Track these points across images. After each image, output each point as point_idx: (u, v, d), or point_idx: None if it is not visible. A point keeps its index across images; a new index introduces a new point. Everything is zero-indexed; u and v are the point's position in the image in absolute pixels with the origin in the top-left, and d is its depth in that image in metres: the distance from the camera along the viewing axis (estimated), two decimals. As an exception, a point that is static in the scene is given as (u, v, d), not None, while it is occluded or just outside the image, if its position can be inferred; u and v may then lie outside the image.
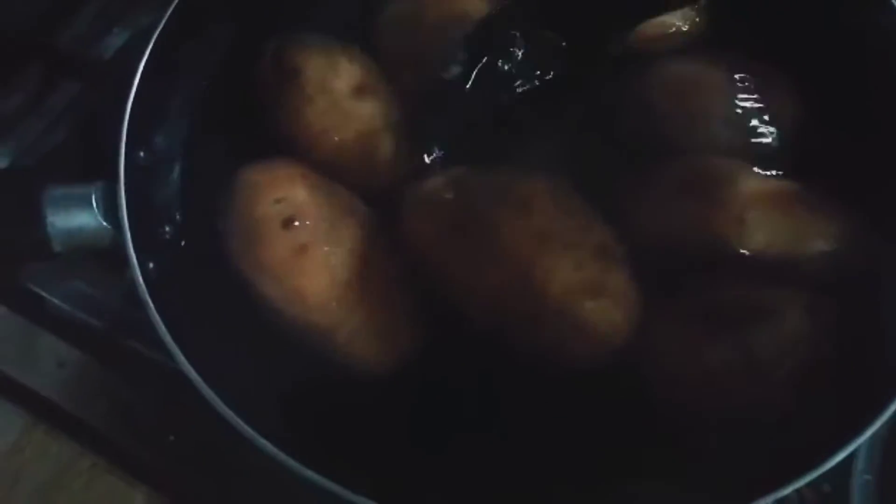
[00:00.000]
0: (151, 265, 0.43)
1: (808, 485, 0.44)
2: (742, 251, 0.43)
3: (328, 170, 0.47)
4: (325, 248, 0.43)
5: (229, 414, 0.39)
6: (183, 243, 0.48)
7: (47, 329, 0.56)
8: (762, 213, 0.43)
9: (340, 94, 0.48)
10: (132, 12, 0.66)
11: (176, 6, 0.48)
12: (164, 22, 0.48)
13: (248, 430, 0.38)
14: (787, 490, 0.37)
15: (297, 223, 0.43)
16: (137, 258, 0.42)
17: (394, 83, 0.50)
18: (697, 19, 0.51)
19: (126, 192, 0.43)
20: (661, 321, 0.43)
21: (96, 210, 0.43)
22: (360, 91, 0.48)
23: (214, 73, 0.52)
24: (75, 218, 0.43)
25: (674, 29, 0.51)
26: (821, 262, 0.44)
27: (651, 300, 0.43)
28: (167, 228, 0.47)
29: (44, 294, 0.57)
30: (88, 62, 0.65)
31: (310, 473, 0.38)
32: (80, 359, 0.56)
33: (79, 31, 0.66)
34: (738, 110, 0.47)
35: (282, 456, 0.38)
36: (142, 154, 0.46)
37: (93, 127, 0.60)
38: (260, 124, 0.49)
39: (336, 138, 0.48)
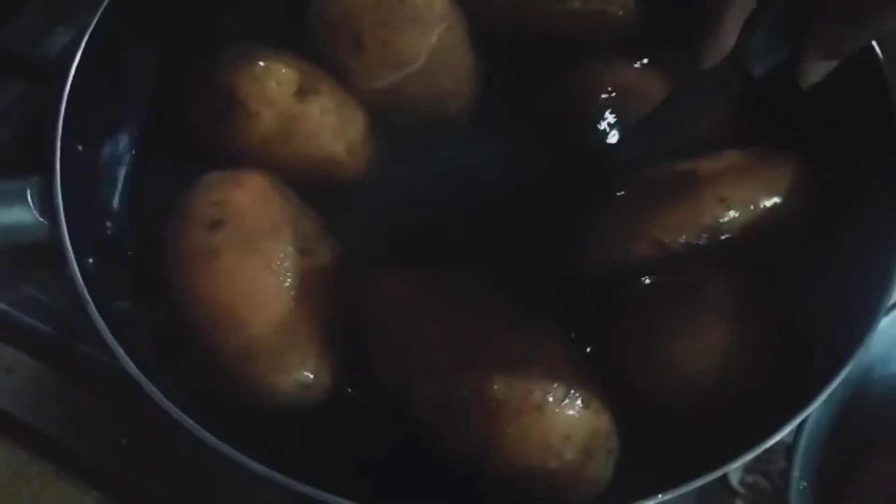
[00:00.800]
0: (91, 261, 0.42)
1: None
2: (725, 230, 0.43)
3: (288, 175, 0.47)
4: (248, 259, 0.42)
5: (179, 415, 0.38)
6: (125, 241, 0.46)
7: (-3, 337, 0.55)
8: (733, 186, 0.43)
9: (284, 100, 0.47)
10: (77, 10, 0.65)
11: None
12: (98, 15, 0.46)
13: (199, 431, 0.37)
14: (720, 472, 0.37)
15: (224, 227, 0.42)
16: (75, 253, 0.41)
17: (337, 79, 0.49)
18: (632, 7, 0.51)
19: (62, 185, 0.42)
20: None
21: (31, 205, 0.42)
22: (302, 93, 0.47)
23: (161, 72, 0.51)
24: (11, 213, 0.42)
25: (611, 17, 0.51)
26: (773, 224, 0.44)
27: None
28: (108, 224, 0.46)
29: (-11, 299, 0.56)
30: (33, 61, 0.63)
31: (265, 470, 0.36)
32: (29, 364, 0.55)
33: (23, 29, 0.65)
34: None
35: (236, 455, 0.37)
36: (80, 147, 0.44)
37: (39, 126, 0.59)
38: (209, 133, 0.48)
39: (291, 144, 0.47)
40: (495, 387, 0.39)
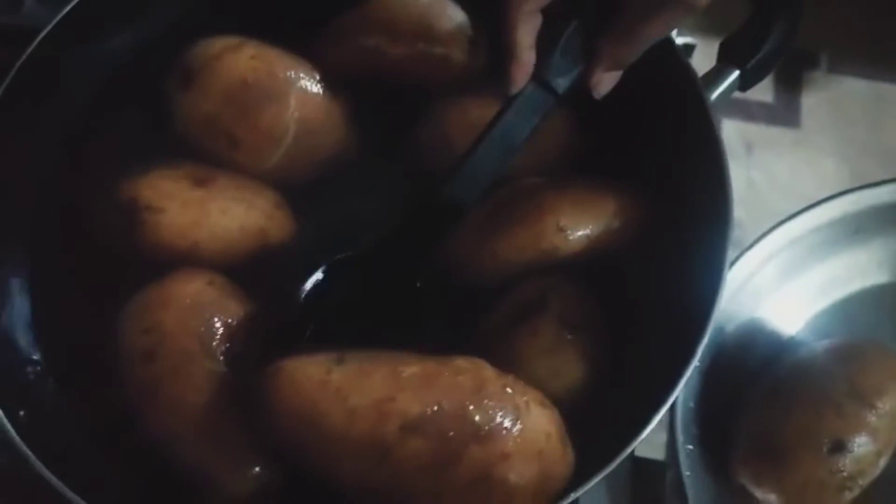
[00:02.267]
0: (22, 413, 0.43)
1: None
2: (567, 254, 0.48)
3: (212, 259, 0.48)
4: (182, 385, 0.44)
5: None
6: (48, 378, 0.48)
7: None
8: (574, 214, 0.48)
9: (184, 191, 0.48)
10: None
11: None
12: None
13: None
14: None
15: (156, 358, 0.44)
16: (7, 414, 0.42)
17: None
18: (475, 52, 0.53)
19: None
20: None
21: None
22: (200, 182, 0.49)
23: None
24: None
25: (454, 61, 0.53)
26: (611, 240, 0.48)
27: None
28: (28, 370, 0.48)
29: None
30: None
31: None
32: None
33: None
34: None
35: None
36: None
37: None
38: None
39: (206, 226, 0.49)
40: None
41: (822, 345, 0.55)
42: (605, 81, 0.44)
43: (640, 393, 0.43)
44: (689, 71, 0.49)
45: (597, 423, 0.44)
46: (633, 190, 0.50)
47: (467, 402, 0.39)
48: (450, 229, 0.48)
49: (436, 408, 0.39)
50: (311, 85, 0.52)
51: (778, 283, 0.58)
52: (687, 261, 0.46)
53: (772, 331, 0.58)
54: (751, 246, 0.55)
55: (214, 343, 0.45)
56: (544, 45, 0.43)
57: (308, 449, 0.41)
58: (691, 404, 0.52)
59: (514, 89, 0.44)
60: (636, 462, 0.54)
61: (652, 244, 0.49)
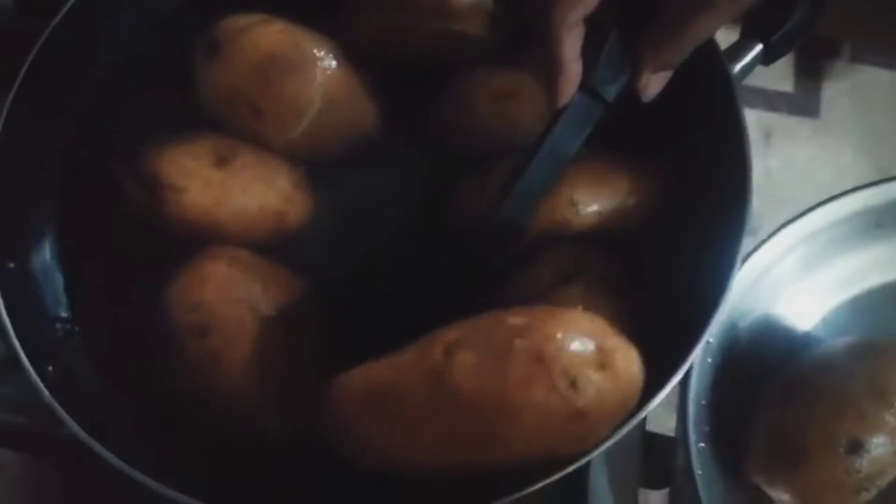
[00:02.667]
0: (51, 368, 0.45)
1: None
2: (578, 228, 0.48)
3: (237, 238, 0.50)
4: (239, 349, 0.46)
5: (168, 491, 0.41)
6: (77, 336, 0.49)
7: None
8: (587, 190, 0.48)
9: (204, 169, 0.49)
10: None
11: (14, 94, 0.49)
12: (3, 116, 0.48)
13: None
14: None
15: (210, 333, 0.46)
16: (34, 367, 0.44)
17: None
18: (495, 27, 0.54)
19: (6, 306, 0.45)
20: None
21: (-20, 330, 0.44)
22: (221, 160, 0.50)
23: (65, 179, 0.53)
24: (-40, 339, 0.44)
25: (473, 37, 0.54)
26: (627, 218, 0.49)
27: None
28: (58, 326, 0.49)
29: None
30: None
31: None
32: (18, 460, 0.57)
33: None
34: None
35: None
36: (12, 265, 0.47)
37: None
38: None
39: (227, 205, 0.50)
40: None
41: (840, 341, 0.55)
42: (654, 84, 0.44)
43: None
44: (711, 43, 0.48)
45: None
46: (650, 169, 0.50)
47: (500, 315, 0.40)
48: (504, 252, 0.48)
49: (471, 327, 0.40)
50: (336, 59, 0.52)
51: (795, 278, 0.57)
52: (702, 242, 0.46)
53: (788, 326, 0.57)
54: (767, 239, 0.55)
55: (260, 303, 0.47)
56: (588, 52, 0.43)
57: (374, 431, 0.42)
58: (703, 402, 0.52)
59: (562, 102, 0.43)
60: (647, 437, 0.54)
61: (667, 224, 0.49)
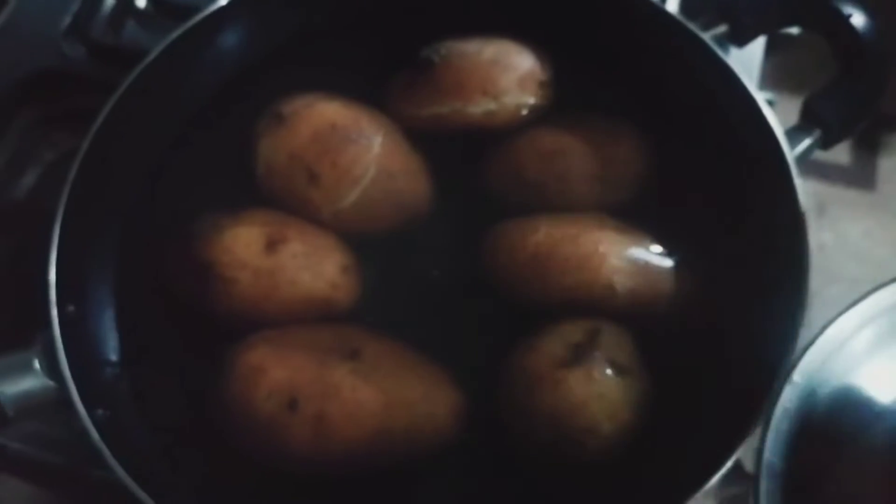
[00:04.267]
0: (100, 412, 0.46)
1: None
2: (610, 309, 0.49)
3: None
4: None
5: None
6: (124, 381, 0.51)
7: (12, 474, 0.58)
8: (626, 277, 0.49)
9: (255, 258, 0.50)
10: (39, 152, 0.68)
11: (88, 145, 0.51)
12: (77, 163, 0.50)
13: None
14: None
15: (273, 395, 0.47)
16: (87, 410, 0.45)
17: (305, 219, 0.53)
18: (544, 92, 0.56)
19: (65, 349, 0.46)
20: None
21: (40, 371, 0.46)
22: (272, 244, 0.51)
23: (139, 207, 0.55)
24: (22, 383, 0.45)
25: (527, 107, 0.56)
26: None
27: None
28: (108, 370, 0.50)
29: (2, 441, 0.59)
30: (2, 207, 0.66)
31: None
32: (47, 498, 0.58)
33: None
34: (596, 168, 0.53)
35: None
36: (72, 308, 0.49)
37: (16, 277, 0.62)
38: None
39: (275, 297, 0.51)
40: None
41: None
42: None
43: (697, 454, 0.44)
44: (771, 127, 0.49)
45: (650, 478, 0.45)
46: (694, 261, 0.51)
47: None
48: None
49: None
50: (391, 133, 0.55)
51: (875, 350, 0.55)
52: (756, 325, 0.47)
53: (866, 398, 0.55)
54: (846, 310, 0.53)
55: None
56: None
57: None
58: (777, 468, 0.50)
59: None
60: None
61: (713, 309, 0.50)
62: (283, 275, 0.50)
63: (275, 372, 0.47)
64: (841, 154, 0.71)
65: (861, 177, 0.71)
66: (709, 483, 0.41)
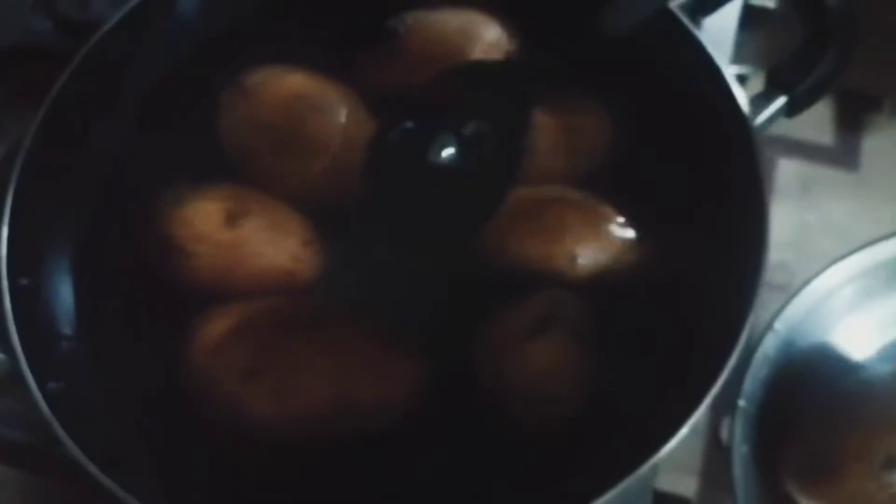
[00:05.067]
0: (52, 385, 0.45)
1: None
2: (571, 280, 0.49)
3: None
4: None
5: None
6: (80, 354, 0.50)
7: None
8: (589, 248, 0.49)
9: (215, 232, 0.50)
10: (9, 124, 0.67)
11: (43, 114, 0.50)
12: (30, 136, 0.50)
13: None
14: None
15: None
16: (37, 383, 0.44)
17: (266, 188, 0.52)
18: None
19: (15, 321, 0.45)
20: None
21: (-11, 343, 0.45)
22: (232, 218, 0.50)
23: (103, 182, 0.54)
24: (-30, 355, 0.45)
25: None
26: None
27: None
28: (63, 344, 0.50)
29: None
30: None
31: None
32: (17, 476, 0.58)
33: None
34: (561, 139, 0.52)
35: None
36: (25, 282, 0.48)
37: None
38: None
39: (240, 269, 0.50)
40: None
41: (888, 367, 0.56)
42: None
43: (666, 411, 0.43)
44: (733, 92, 0.49)
45: (621, 436, 0.44)
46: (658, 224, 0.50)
47: None
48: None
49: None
50: (359, 104, 0.54)
51: (854, 308, 0.58)
52: (717, 286, 0.46)
53: (842, 353, 0.58)
54: (829, 266, 0.56)
55: None
56: None
57: None
58: (752, 410, 0.54)
59: None
60: (657, 496, 0.55)
61: (674, 277, 0.49)
62: (244, 248, 0.50)
63: (234, 343, 0.47)
64: (824, 134, 0.71)
65: (845, 157, 0.71)
66: (673, 440, 0.41)
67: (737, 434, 0.52)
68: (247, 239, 0.50)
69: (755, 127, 0.48)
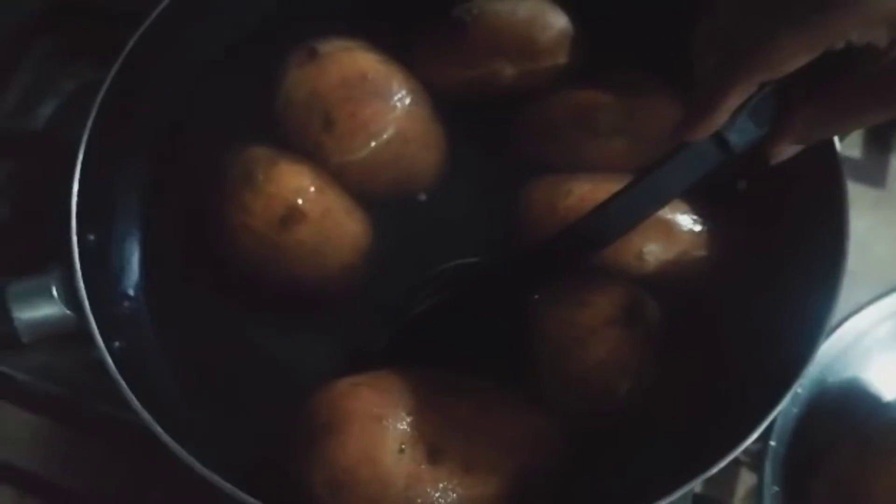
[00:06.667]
0: (117, 344, 0.46)
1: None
2: (636, 276, 0.49)
3: None
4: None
5: (211, 476, 0.41)
6: (144, 319, 0.51)
7: (17, 405, 0.58)
8: (656, 246, 0.49)
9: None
10: (60, 81, 0.67)
11: (117, 69, 0.49)
12: (104, 88, 0.49)
13: (235, 492, 0.41)
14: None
15: None
16: (104, 342, 0.44)
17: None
18: (577, 50, 0.55)
19: (83, 278, 0.45)
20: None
21: (57, 299, 0.45)
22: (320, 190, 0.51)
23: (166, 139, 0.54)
24: (39, 309, 0.45)
25: (562, 66, 0.55)
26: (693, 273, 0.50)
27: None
28: (126, 304, 0.50)
29: (9, 372, 0.59)
30: (19, 136, 0.66)
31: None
32: (55, 428, 0.58)
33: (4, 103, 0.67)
34: (629, 123, 0.52)
35: None
36: (92, 238, 0.48)
37: (35, 205, 0.61)
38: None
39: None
40: None
41: None
42: (786, 152, 0.42)
43: (724, 427, 0.44)
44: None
45: (673, 448, 0.45)
46: (726, 223, 0.50)
47: None
48: (577, 264, 0.48)
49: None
50: (421, 99, 0.53)
51: (887, 347, 0.58)
52: (788, 302, 0.46)
53: (874, 392, 0.58)
54: (866, 305, 0.56)
55: None
56: None
57: None
58: (782, 450, 0.54)
59: (692, 139, 0.41)
60: (696, 499, 0.55)
61: (744, 277, 0.49)
62: (330, 218, 0.51)
63: None
64: (853, 149, 0.71)
65: (871, 173, 0.71)
66: (731, 454, 0.42)
67: (767, 474, 0.52)
68: (331, 209, 0.51)
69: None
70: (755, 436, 0.42)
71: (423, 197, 0.54)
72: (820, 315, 0.44)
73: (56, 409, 0.59)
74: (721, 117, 0.40)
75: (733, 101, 0.39)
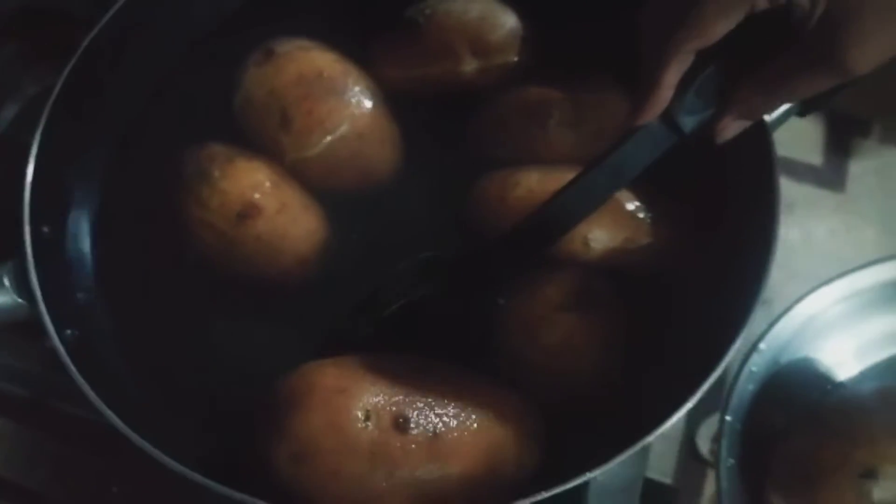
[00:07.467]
0: (69, 332, 0.46)
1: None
2: (583, 261, 0.50)
3: None
4: None
5: (169, 462, 0.41)
6: (97, 306, 0.51)
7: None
8: (601, 231, 0.50)
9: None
10: (21, 85, 0.68)
11: (69, 71, 0.50)
12: (57, 89, 0.50)
13: (190, 475, 0.41)
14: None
15: None
16: (55, 329, 0.45)
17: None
18: (528, 49, 0.56)
19: (36, 268, 0.46)
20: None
21: (9, 288, 0.46)
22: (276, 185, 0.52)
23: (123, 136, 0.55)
24: (-10, 299, 0.46)
25: (513, 64, 0.56)
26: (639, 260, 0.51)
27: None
28: (80, 295, 0.50)
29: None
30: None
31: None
32: (12, 428, 0.58)
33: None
34: (579, 119, 0.53)
35: (230, 493, 0.40)
36: (46, 230, 0.49)
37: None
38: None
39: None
40: None
41: (870, 386, 0.58)
42: (732, 128, 0.43)
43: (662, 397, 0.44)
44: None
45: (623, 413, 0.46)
46: (672, 212, 0.52)
47: None
48: (544, 249, 0.49)
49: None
50: (376, 97, 0.54)
51: (840, 329, 0.60)
52: (726, 273, 0.48)
53: (826, 372, 0.60)
54: (819, 287, 0.58)
55: None
56: (680, 82, 0.42)
57: None
58: (738, 425, 0.55)
59: (642, 121, 0.42)
60: (647, 483, 0.56)
61: (685, 267, 0.51)
62: (287, 214, 0.51)
63: None
64: (813, 155, 0.73)
65: (831, 178, 0.72)
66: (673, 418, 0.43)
67: (723, 448, 0.53)
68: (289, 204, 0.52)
69: (769, 123, 0.48)
70: (694, 400, 0.43)
71: (380, 193, 0.55)
72: (755, 282, 0.46)
73: (17, 410, 0.59)
74: (665, 93, 0.41)
75: (673, 74, 0.40)
